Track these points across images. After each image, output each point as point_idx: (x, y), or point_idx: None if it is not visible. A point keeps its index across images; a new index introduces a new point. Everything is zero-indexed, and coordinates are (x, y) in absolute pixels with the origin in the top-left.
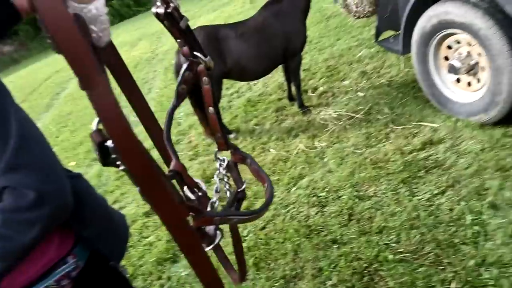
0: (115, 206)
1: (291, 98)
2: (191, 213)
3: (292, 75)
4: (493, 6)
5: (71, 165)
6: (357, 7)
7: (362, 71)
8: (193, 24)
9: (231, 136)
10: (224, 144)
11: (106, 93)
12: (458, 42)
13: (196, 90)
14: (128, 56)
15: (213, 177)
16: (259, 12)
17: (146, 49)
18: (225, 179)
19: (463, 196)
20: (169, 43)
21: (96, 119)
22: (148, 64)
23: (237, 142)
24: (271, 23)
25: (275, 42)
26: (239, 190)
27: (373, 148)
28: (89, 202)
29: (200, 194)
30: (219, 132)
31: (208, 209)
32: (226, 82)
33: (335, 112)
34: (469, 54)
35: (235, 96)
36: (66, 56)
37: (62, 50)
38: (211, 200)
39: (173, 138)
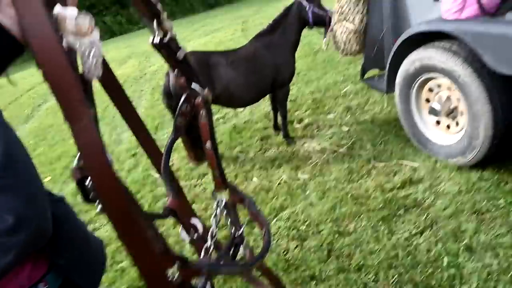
0: (89, 227)
1: (276, 127)
2: (177, 263)
3: (279, 105)
4: (472, 55)
5: (46, 180)
6: (345, 45)
7: (347, 106)
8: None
9: None
10: (222, 183)
11: (90, 129)
12: (439, 86)
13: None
14: (115, 73)
15: (193, 203)
16: (250, 42)
17: (135, 67)
18: (229, 220)
19: (440, 238)
20: (158, 63)
21: (78, 155)
22: (135, 83)
23: None
24: (262, 53)
25: (265, 72)
26: (236, 235)
27: (355, 184)
28: (67, 230)
29: (195, 236)
30: (216, 170)
31: (202, 254)
32: (213, 107)
33: (319, 144)
34: (449, 98)
35: (221, 122)
36: (53, 87)
37: (50, 81)
38: (206, 245)
39: None
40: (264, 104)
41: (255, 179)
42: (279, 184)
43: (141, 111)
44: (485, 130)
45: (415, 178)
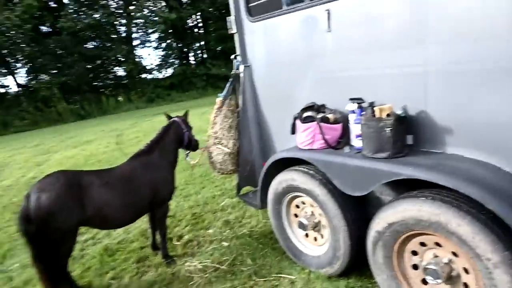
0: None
1: (155, 247)
2: None
3: (158, 223)
4: (325, 178)
5: None
6: (221, 165)
7: (226, 220)
8: (48, 159)
9: None
10: None
11: None
12: (304, 203)
13: (39, 240)
14: None
15: None
16: (127, 161)
17: None
18: None
19: None
20: (13, 177)
21: None
22: None
23: None
24: (139, 173)
25: (142, 192)
26: None
27: None
28: None
29: None
30: None
31: None
32: (81, 227)
33: (200, 263)
34: (313, 214)
35: (90, 243)
36: None
37: None
38: None
39: None
40: (141, 221)
41: None
42: None
43: None
44: (344, 241)
45: None
